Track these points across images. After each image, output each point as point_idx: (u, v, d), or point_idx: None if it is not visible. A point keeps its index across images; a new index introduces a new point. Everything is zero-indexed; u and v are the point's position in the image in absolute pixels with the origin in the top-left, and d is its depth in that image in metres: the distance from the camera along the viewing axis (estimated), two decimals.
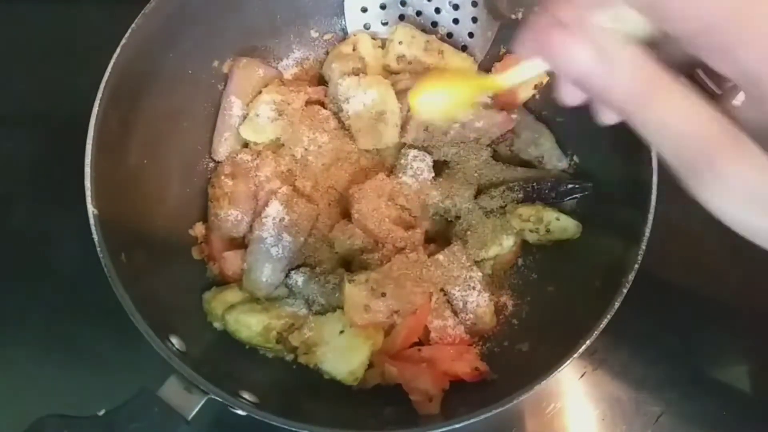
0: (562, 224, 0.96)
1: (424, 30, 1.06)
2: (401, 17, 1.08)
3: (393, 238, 0.93)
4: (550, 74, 0.48)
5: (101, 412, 0.71)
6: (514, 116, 1.01)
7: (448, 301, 0.95)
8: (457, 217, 0.98)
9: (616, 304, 0.79)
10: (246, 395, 0.79)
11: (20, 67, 1.20)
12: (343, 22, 1.11)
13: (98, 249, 0.78)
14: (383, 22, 1.09)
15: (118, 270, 0.77)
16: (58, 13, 1.23)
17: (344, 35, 1.11)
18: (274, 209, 0.95)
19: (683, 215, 1.06)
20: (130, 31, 0.86)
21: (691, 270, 1.07)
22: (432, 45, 1.04)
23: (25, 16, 1.23)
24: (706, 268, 1.07)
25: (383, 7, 1.08)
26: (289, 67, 1.12)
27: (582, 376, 1.02)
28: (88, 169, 0.80)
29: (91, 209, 0.79)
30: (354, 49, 1.05)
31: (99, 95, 0.82)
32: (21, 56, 1.21)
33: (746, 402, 1.02)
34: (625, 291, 0.80)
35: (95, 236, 0.78)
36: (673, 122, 0.38)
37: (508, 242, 0.97)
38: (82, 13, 1.23)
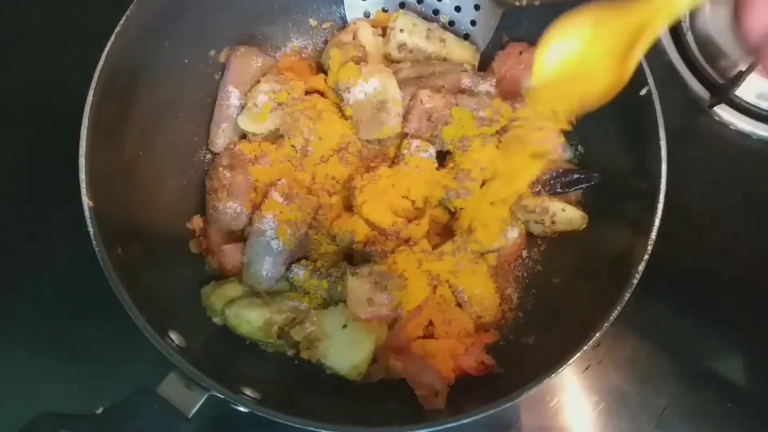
0: (568, 215, 0.95)
1: (425, 18, 1.04)
2: (402, 5, 1.06)
3: (396, 230, 0.92)
4: None
5: (99, 410, 0.69)
6: (518, 105, 0.99)
7: (453, 294, 0.94)
8: (462, 209, 0.96)
9: (626, 296, 0.78)
10: (248, 391, 0.77)
11: (12, 59, 1.17)
12: (342, 11, 1.09)
13: (94, 242, 0.76)
14: (383, 9, 1.07)
15: (114, 264, 0.75)
16: (51, 4, 1.20)
17: (343, 23, 1.10)
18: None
19: (683, 209, 1.06)
20: (123, 19, 0.84)
21: (695, 262, 1.06)
22: (434, 33, 1.02)
23: (15, 7, 1.20)
24: (710, 260, 1.06)
25: None
26: (287, 56, 1.10)
27: (586, 368, 1.01)
28: (82, 160, 0.78)
29: (86, 201, 0.77)
30: (354, 38, 1.03)
31: (93, 84, 0.80)
32: (12, 49, 1.18)
33: (750, 395, 1.01)
34: (635, 282, 0.79)
35: (91, 229, 0.76)
36: None
37: (513, 234, 0.95)
38: (76, 3, 1.20)
